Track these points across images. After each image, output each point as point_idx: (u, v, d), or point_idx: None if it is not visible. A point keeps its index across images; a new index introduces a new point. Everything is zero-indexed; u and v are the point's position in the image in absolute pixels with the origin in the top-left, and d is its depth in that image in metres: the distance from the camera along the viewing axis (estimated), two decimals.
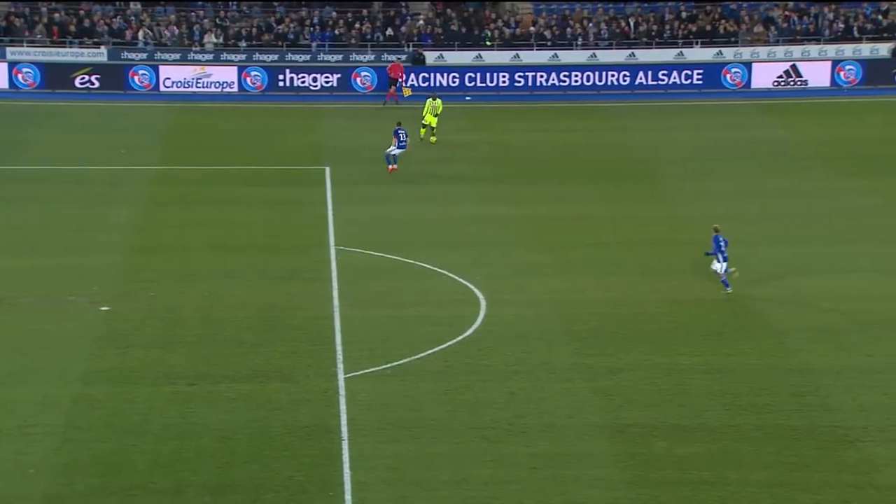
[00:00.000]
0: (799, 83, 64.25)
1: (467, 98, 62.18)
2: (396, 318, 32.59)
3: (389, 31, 65.66)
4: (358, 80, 62.56)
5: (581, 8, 67.75)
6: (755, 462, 25.09)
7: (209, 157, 50.12)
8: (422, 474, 24.54)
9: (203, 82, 62.12)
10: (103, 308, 33.06)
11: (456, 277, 35.54)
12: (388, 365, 29.53)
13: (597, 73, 63.71)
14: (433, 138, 51.47)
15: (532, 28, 66.33)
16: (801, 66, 64.33)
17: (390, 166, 46.24)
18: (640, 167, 48.94)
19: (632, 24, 66.38)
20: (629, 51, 64.94)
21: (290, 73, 62.56)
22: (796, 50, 64.97)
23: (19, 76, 61.56)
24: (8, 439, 25.79)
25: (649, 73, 63.84)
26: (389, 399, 27.73)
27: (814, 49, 65.06)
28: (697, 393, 28.27)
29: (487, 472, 24.59)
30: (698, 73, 64.02)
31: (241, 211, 42.44)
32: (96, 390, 28.11)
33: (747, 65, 64.24)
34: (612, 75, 63.76)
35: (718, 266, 34.27)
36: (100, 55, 62.81)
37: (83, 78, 61.57)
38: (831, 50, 65.06)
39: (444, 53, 64.23)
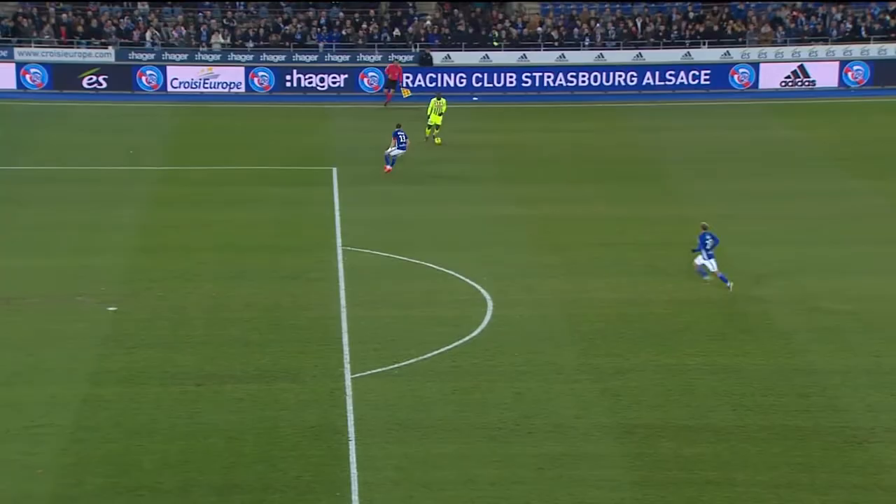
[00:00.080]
0: (807, 84, 64.20)
1: (474, 98, 62.20)
2: (403, 319, 32.61)
3: (396, 32, 65.69)
4: (365, 80, 62.59)
5: (588, 8, 67.74)
6: (762, 463, 25.08)
7: (216, 158, 50.18)
8: (429, 474, 24.56)
9: (210, 83, 62.21)
10: (111, 308, 33.12)
11: (463, 278, 35.56)
12: (396, 365, 29.55)
13: (604, 74, 63.72)
14: (438, 139, 51.47)
15: (539, 28, 66.33)
16: (808, 66, 64.28)
17: (387, 166, 46.31)
18: (648, 168, 48.93)
19: (639, 24, 66.36)
20: (636, 51, 64.94)
21: (298, 73, 62.63)
22: (804, 50, 64.93)
23: (27, 76, 61.68)
24: (16, 439, 25.84)
25: (657, 73, 63.83)
26: (396, 399, 27.75)
27: (821, 49, 65.00)
28: (704, 393, 28.26)
29: (494, 473, 24.60)
30: (706, 74, 63.99)
31: (248, 211, 42.50)
32: (104, 390, 28.16)
33: (755, 65, 64.21)
34: (620, 76, 63.75)
35: (700, 260, 34.33)
36: (107, 55, 62.93)
37: (91, 78, 61.67)
38: (839, 50, 65.01)
39: (452, 54, 64.26)
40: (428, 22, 66.60)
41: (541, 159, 50.55)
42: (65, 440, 25.75)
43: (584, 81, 63.52)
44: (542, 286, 35.11)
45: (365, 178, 46.42)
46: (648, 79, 63.75)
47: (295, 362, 29.73)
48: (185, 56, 63.37)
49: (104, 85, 61.69)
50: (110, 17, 65.04)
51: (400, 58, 62.64)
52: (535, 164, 49.57)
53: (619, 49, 65.20)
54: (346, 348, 30.54)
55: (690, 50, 65.10)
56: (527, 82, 63.35)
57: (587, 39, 65.74)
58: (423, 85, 61.86)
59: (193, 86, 62.07)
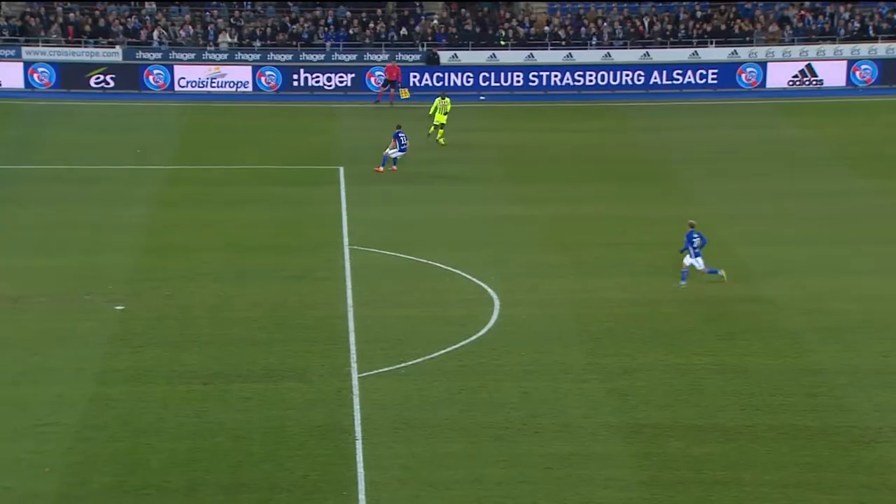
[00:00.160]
0: (814, 83, 64.10)
1: (481, 98, 62.17)
2: (410, 318, 32.59)
3: (404, 31, 65.69)
4: (372, 79, 62.56)
5: (595, 7, 67.69)
6: (770, 462, 25.04)
7: (223, 157, 50.20)
8: (436, 474, 24.53)
9: (217, 82, 62.24)
10: (118, 307, 33.13)
11: (470, 277, 35.54)
12: (402, 364, 29.53)
13: (611, 73, 63.66)
14: (442, 140, 51.39)
15: (546, 28, 66.29)
16: (816, 65, 64.18)
17: (379, 167, 46.32)
18: (655, 167, 48.88)
19: (646, 23, 66.31)
20: (644, 50, 64.88)
21: (305, 72, 62.63)
22: (812, 49, 64.82)
23: (35, 76, 61.74)
24: (23, 438, 25.85)
25: (664, 72, 63.77)
26: (403, 398, 27.73)
27: (829, 48, 64.91)
28: (712, 393, 28.22)
29: (502, 472, 24.58)
30: (713, 73, 63.93)
31: (255, 210, 42.51)
32: (111, 389, 28.16)
33: (762, 64, 64.13)
34: (627, 75, 63.69)
35: (688, 260, 34.29)
36: (115, 55, 62.97)
37: (98, 77, 61.73)
38: (847, 49, 64.91)
39: (459, 53, 64.24)
40: (435, 21, 66.58)
41: (548, 158, 50.51)
42: (71, 439, 25.76)
43: (591, 81, 63.48)
44: (548, 285, 35.08)
45: (371, 178, 46.41)
46: (656, 78, 63.69)
47: (302, 361, 29.72)
48: (192, 55, 63.40)
49: (111, 84, 61.75)
50: (118, 16, 65.10)
51: (406, 58, 62.63)
52: (542, 164, 49.53)
53: (626, 48, 65.14)
54: (352, 347, 30.53)
55: (698, 49, 65.03)
56: (534, 81, 63.32)
57: (594, 39, 65.67)
58: (431, 84, 61.84)
59: (201, 85, 62.10)
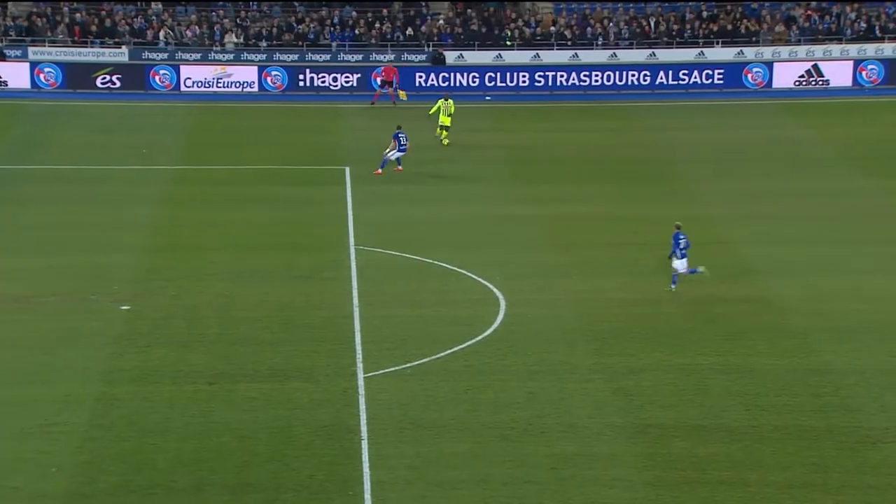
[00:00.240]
0: (821, 83, 64.03)
1: (487, 98, 62.18)
2: (416, 318, 32.62)
3: (409, 31, 65.70)
4: (378, 80, 62.55)
5: (601, 7, 67.66)
6: (775, 463, 25.04)
7: (229, 157, 50.23)
8: (441, 474, 24.56)
9: (223, 82, 62.28)
10: (124, 307, 33.19)
11: (475, 277, 35.56)
12: (408, 364, 29.56)
13: (617, 73, 63.62)
14: (445, 140, 51.34)
15: (552, 28, 66.29)
16: (822, 65, 64.11)
17: (378, 170, 46.32)
18: (661, 167, 48.86)
19: (652, 23, 66.27)
20: (650, 50, 64.84)
21: (311, 72, 62.65)
22: (818, 49, 64.76)
23: (41, 76, 61.82)
24: (30, 437, 25.92)
25: (670, 72, 63.71)
26: (409, 398, 27.76)
27: (835, 48, 64.83)
28: (717, 393, 28.22)
29: (507, 472, 24.60)
30: (719, 73, 63.86)
31: (260, 210, 42.54)
32: (118, 389, 28.22)
33: (768, 64, 64.06)
34: (633, 75, 63.65)
35: (677, 263, 34.25)
36: (121, 55, 63.03)
37: (104, 78, 61.79)
38: (853, 49, 64.83)
39: (464, 53, 64.23)
40: (441, 21, 66.59)
41: (553, 158, 50.49)
42: (79, 438, 25.82)
43: (597, 81, 63.43)
44: (554, 286, 35.09)
45: (377, 178, 46.43)
46: (662, 78, 63.64)
47: (308, 361, 29.76)
48: (198, 55, 63.45)
49: (118, 84, 61.80)
50: (124, 16, 65.17)
51: (412, 58, 62.61)
52: (548, 164, 49.52)
53: (632, 48, 65.11)
54: (358, 347, 30.57)
55: (704, 49, 64.98)
56: (540, 82, 63.30)
57: (600, 39, 65.66)
58: (436, 84, 61.82)
59: (207, 85, 62.14)
